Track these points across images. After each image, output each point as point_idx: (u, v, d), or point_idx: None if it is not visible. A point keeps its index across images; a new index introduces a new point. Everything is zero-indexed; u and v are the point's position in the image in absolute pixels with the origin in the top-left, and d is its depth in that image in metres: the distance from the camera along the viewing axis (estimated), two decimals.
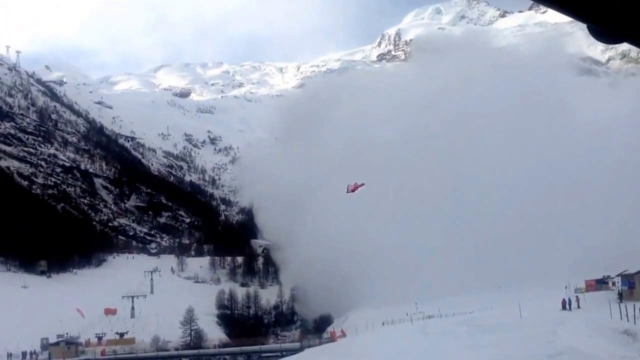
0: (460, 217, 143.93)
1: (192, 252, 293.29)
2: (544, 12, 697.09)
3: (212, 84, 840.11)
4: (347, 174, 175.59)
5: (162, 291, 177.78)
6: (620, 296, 65.46)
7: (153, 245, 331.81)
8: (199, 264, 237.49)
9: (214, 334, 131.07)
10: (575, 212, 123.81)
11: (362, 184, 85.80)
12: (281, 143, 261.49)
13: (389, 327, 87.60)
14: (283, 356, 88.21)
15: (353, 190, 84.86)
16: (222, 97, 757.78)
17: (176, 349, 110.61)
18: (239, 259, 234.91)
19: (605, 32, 3.68)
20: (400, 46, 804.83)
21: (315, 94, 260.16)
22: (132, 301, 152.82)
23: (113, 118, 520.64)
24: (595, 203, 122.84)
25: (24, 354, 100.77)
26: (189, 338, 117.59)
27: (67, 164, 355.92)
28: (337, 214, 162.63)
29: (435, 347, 60.74)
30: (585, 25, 3.75)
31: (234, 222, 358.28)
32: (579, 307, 65.79)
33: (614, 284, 77.48)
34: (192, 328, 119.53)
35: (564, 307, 66.08)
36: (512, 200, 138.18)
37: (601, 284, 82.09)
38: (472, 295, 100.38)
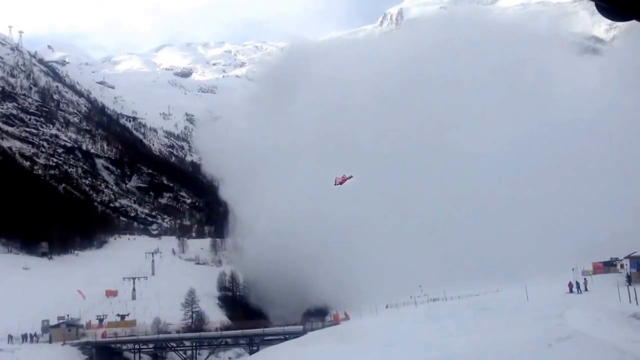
0: (456, 197, 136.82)
1: (193, 234, 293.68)
2: None
3: (214, 64, 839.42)
4: (321, 147, 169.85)
5: (163, 273, 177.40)
6: (629, 279, 64.49)
7: (154, 226, 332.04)
8: (200, 246, 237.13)
9: (216, 316, 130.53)
10: (582, 192, 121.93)
11: (351, 177, 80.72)
12: (254, 110, 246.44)
13: (392, 311, 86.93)
14: (286, 339, 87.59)
15: (341, 183, 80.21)
16: (223, 76, 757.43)
17: (177, 332, 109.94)
18: None
19: (612, 9, 3.71)
20: (403, 25, 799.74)
21: (292, 61, 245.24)
22: (133, 283, 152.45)
23: (115, 98, 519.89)
24: (603, 183, 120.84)
25: (24, 336, 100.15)
26: (191, 320, 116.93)
27: (69, 145, 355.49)
28: (311, 189, 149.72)
29: (440, 330, 60.10)
30: (590, 3, 3.81)
31: None
32: (586, 289, 64.82)
33: (622, 266, 76.38)
34: (194, 310, 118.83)
35: (571, 290, 65.14)
36: (515, 180, 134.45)
37: (609, 266, 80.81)
38: (477, 279, 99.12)
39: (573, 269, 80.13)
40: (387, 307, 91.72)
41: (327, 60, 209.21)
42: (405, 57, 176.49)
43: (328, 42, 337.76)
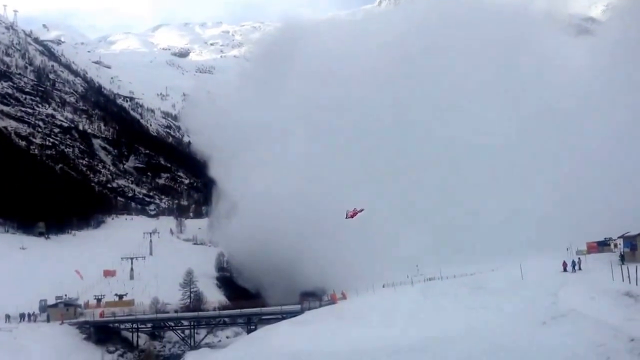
0: (452, 176, 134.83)
1: (191, 214, 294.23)
2: None
3: (211, 44, 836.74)
4: (312, 125, 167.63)
5: (161, 253, 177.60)
6: (622, 258, 64.80)
7: (152, 206, 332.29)
8: (197, 226, 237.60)
9: (214, 296, 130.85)
10: (576, 173, 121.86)
11: (362, 210, 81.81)
12: (245, 88, 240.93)
13: (389, 289, 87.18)
14: (284, 318, 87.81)
15: (352, 216, 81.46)
16: (221, 57, 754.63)
17: (175, 311, 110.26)
18: None
19: None
20: (401, 5, 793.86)
21: (286, 40, 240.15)
22: (131, 263, 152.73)
23: (111, 78, 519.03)
24: (596, 163, 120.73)
25: (22, 315, 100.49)
26: (189, 300, 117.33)
27: (66, 124, 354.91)
28: (302, 169, 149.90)
29: (435, 308, 60.70)
30: None
31: None
32: (580, 268, 65.14)
33: (615, 245, 76.75)
34: (192, 290, 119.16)
35: (565, 269, 65.54)
36: (510, 161, 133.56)
37: (603, 245, 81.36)
38: (472, 258, 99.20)
39: (568, 249, 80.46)
40: (383, 286, 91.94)
41: (321, 39, 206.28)
42: (401, 37, 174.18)
43: (323, 21, 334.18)
